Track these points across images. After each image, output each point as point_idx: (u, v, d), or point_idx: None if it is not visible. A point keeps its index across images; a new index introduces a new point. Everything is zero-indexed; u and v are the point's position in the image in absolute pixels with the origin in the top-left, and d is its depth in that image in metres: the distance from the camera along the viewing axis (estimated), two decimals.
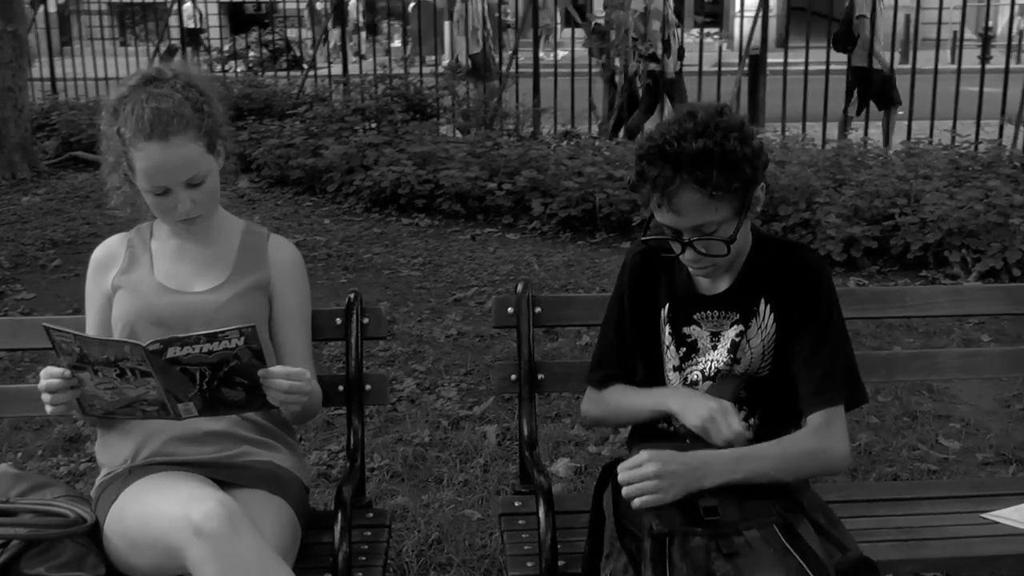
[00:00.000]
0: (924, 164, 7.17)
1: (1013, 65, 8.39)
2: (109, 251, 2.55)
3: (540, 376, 2.78)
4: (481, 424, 4.31)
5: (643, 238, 2.25)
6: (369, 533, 2.59)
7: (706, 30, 11.20)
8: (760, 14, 9.30)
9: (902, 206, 6.42)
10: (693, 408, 2.16)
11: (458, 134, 9.88)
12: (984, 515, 2.59)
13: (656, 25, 9.82)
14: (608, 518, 2.18)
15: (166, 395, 2.18)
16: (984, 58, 10.06)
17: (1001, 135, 7.77)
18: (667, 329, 2.32)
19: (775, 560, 1.93)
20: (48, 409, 2.29)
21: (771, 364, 2.26)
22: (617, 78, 10.06)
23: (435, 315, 5.70)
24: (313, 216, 8.14)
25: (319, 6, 14.45)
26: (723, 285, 2.28)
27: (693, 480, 2.03)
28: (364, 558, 2.46)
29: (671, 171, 2.04)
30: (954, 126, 8.11)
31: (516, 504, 2.72)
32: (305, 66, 14.72)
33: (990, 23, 16.64)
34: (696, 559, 1.95)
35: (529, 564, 2.40)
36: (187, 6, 17.75)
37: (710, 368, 2.28)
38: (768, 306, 2.25)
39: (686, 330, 2.30)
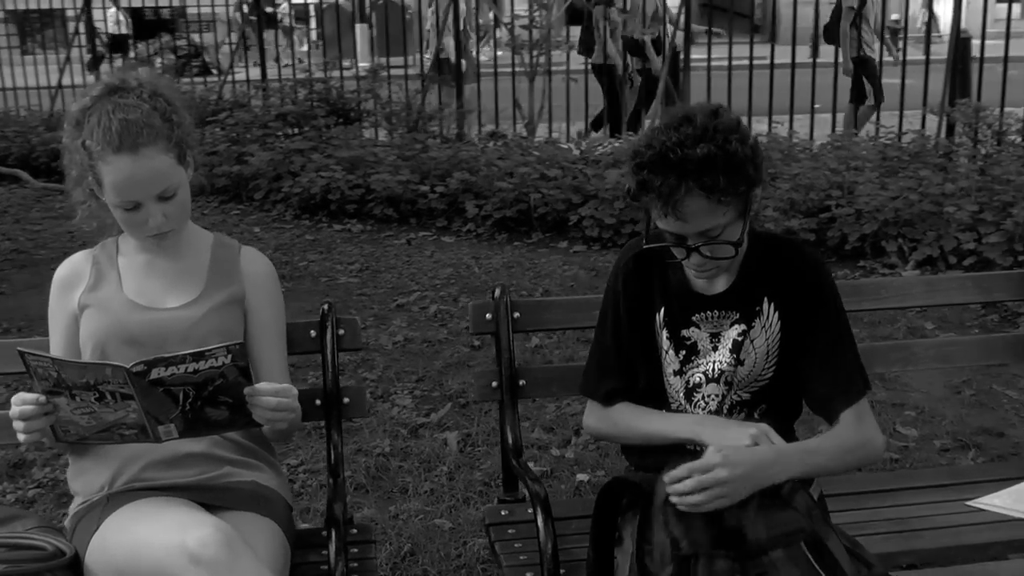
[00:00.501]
0: (853, 156, 7.29)
1: (921, 56, 8.59)
2: (73, 269, 2.44)
3: (522, 382, 2.74)
4: (440, 431, 4.25)
5: (646, 246, 2.20)
6: (356, 550, 2.52)
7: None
8: (682, 10, 9.35)
9: (837, 198, 6.51)
10: (733, 438, 2.08)
11: (383, 137, 9.79)
12: (968, 503, 2.62)
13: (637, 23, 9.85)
14: (628, 540, 2.12)
15: (147, 417, 2.09)
16: (899, 50, 10.32)
17: (923, 126, 7.92)
18: (664, 333, 2.28)
19: None
20: (21, 437, 2.18)
21: (775, 366, 2.24)
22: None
23: (379, 322, 5.62)
24: (242, 225, 7.98)
25: (232, 11, 14.17)
26: (721, 284, 2.24)
27: (764, 479, 2.01)
28: None
29: (676, 179, 1.99)
30: (877, 117, 8.25)
31: (503, 513, 2.67)
32: (215, 72, 14.47)
33: (895, 16, 17.08)
34: None
35: (528, 574, 2.36)
36: (111, 11, 17.28)
37: (713, 369, 2.25)
38: (772, 305, 2.23)
39: (685, 332, 2.26)
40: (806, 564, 1.92)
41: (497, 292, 2.73)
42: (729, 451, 2.01)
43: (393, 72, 10.44)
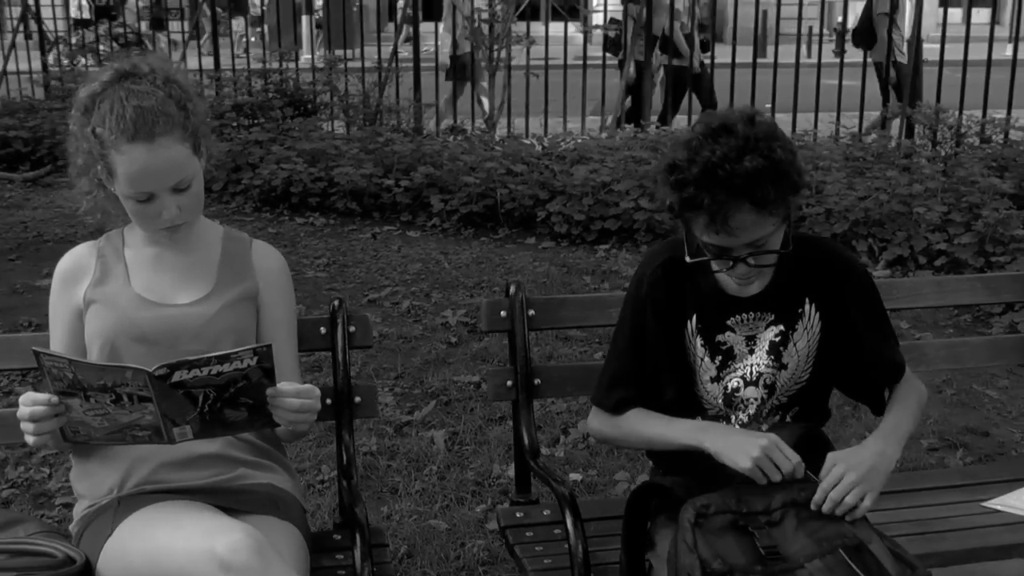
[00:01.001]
0: (816, 156, 7.33)
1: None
2: (77, 262, 2.34)
3: (537, 381, 2.68)
4: (425, 429, 4.18)
5: (690, 260, 2.12)
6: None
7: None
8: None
9: (806, 198, 6.54)
10: (738, 447, 2.03)
11: (340, 130, 9.66)
12: (984, 504, 2.62)
13: (664, 18, 9.76)
14: (661, 544, 2.07)
15: (163, 420, 2.00)
16: (840, 52, 10.36)
17: (884, 126, 8.01)
18: (698, 341, 2.22)
19: None
20: (30, 439, 2.09)
21: (811, 367, 2.22)
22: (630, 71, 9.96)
23: None
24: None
25: None
26: (756, 287, 2.19)
27: (886, 463, 2.09)
28: None
29: (725, 195, 1.95)
30: (838, 117, 8.32)
31: (518, 515, 2.62)
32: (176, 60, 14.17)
33: (839, 18, 17.27)
34: None
35: None
36: None
37: (751, 373, 2.21)
38: (813, 306, 2.20)
39: (720, 338, 2.21)
40: (845, 570, 1.89)
41: (512, 289, 2.67)
42: (841, 455, 2.05)
43: (352, 65, 10.30)
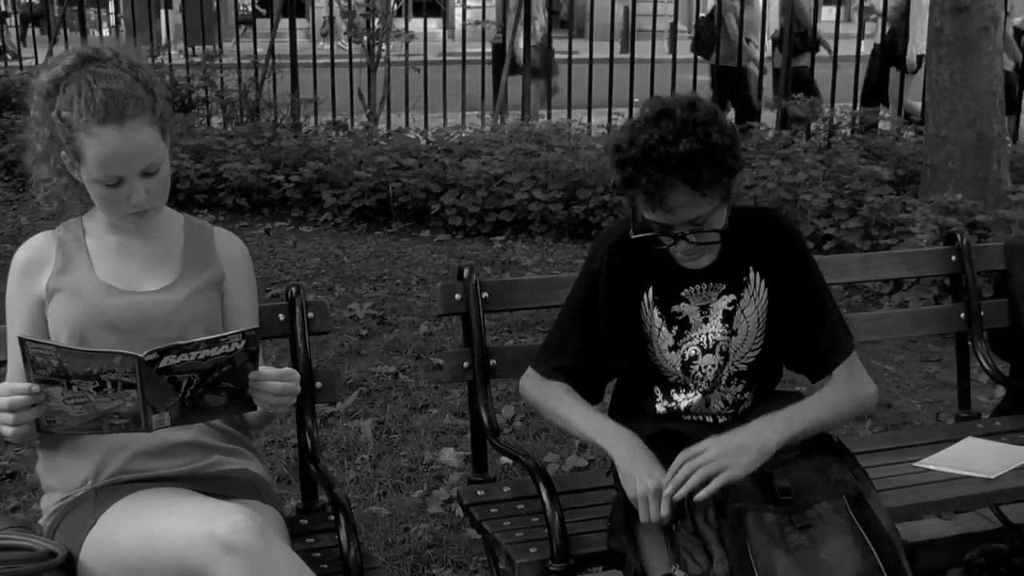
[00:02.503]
0: None
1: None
2: (36, 252, 2.28)
3: (492, 362, 2.73)
4: (350, 419, 4.19)
5: (634, 236, 2.23)
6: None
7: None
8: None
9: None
10: (631, 477, 2.14)
11: (217, 125, 9.50)
12: (916, 464, 2.80)
13: None
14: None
15: (144, 406, 1.99)
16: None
17: (758, 118, 8.32)
18: (655, 312, 2.32)
19: (846, 529, 2.01)
20: (8, 431, 2.04)
21: (764, 335, 2.33)
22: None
23: None
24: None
25: None
26: (707, 259, 2.29)
27: (764, 442, 2.10)
28: None
29: (660, 175, 2.05)
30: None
31: (480, 493, 2.67)
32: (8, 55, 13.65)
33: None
34: (771, 531, 2.00)
35: (532, 550, 2.36)
36: None
37: (707, 341, 2.31)
38: (758, 274, 2.31)
39: (675, 308, 2.32)
40: (847, 516, 2.03)
41: (466, 272, 2.72)
42: (718, 437, 2.12)
43: (227, 61, 10.14)
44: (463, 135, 8.59)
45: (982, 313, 3.08)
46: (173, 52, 11.42)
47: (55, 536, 2.15)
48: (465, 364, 2.72)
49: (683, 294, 2.32)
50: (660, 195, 2.08)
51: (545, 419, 2.45)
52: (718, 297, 2.32)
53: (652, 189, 2.07)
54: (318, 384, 2.64)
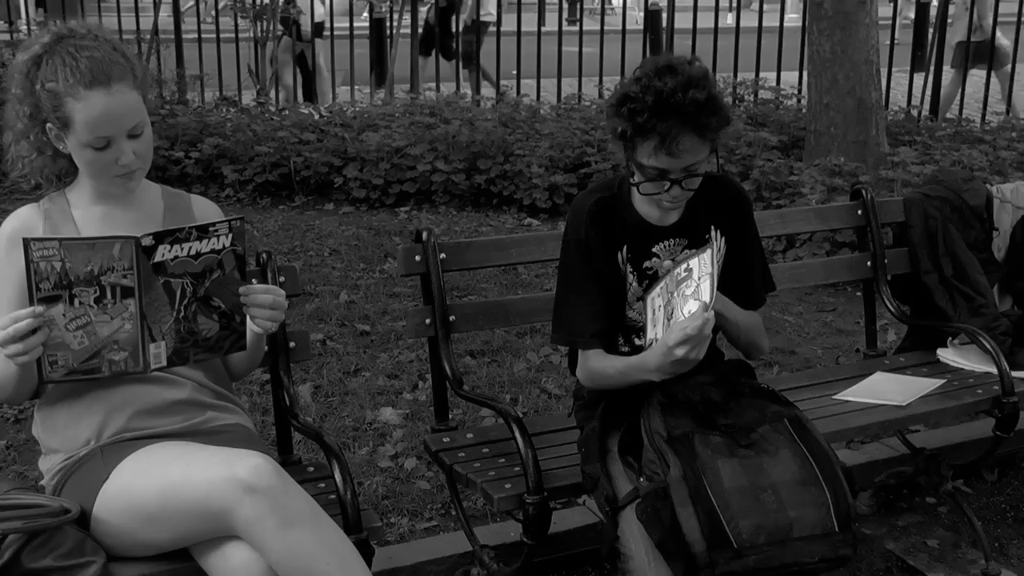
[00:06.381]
0: (583, 118, 7.85)
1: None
2: (23, 223, 2.38)
3: (452, 318, 2.92)
4: None
5: (634, 182, 2.44)
6: (324, 484, 2.61)
7: None
8: None
9: (591, 154, 7.01)
10: (671, 358, 2.28)
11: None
12: (834, 397, 3.10)
13: None
14: (656, 417, 2.34)
15: (141, 325, 2.12)
16: (572, 20, 10.96)
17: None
18: (628, 268, 2.54)
19: (785, 443, 2.27)
20: (20, 360, 2.10)
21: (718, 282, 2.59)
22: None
23: None
24: None
25: None
26: (674, 216, 2.54)
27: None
28: None
29: (675, 121, 2.27)
30: (600, 80, 8.88)
31: (445, 440, 2.86)
32: None
33: None
34: (717, 447, 2.25)
35: (507, 486, 2.57)
36: None
37: None
38: (718, 231, 2.57)
39: (647, 264, 2.54)
40: (788, 435, 2.29)
41: (425, 235, 2.90)
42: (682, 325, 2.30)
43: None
44: (356, 109, 8.67)
45: (886, 261, 3.40)
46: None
47: (62, 494, 2.26)
48: (427, 321, 2.90)
49: (655, 250, 2.54)
50: (675, 139, 2.29)
51: (603, 386, 2.56)
52: (682, 251, 2.55)
53: (666, 133, 2.28)
54: (292, 344, 2.78)
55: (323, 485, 2.60)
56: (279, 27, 10.06)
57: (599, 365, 2.52)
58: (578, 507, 3.34)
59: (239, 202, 7.35)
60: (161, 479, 2.14)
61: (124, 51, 2.31)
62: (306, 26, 10.53)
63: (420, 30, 10.58)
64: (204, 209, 2.52)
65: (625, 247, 2.53)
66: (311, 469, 2.74)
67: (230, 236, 2.16)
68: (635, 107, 2.31)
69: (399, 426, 3.93)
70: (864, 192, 3.38)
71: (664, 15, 10.28)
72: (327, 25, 9.92)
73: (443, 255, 2.92)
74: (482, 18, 10.90)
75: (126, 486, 2.17)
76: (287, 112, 8.61)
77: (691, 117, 2.28)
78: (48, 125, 2.28)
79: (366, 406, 4.11)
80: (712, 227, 2.57)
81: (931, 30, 9.92)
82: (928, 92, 8.70)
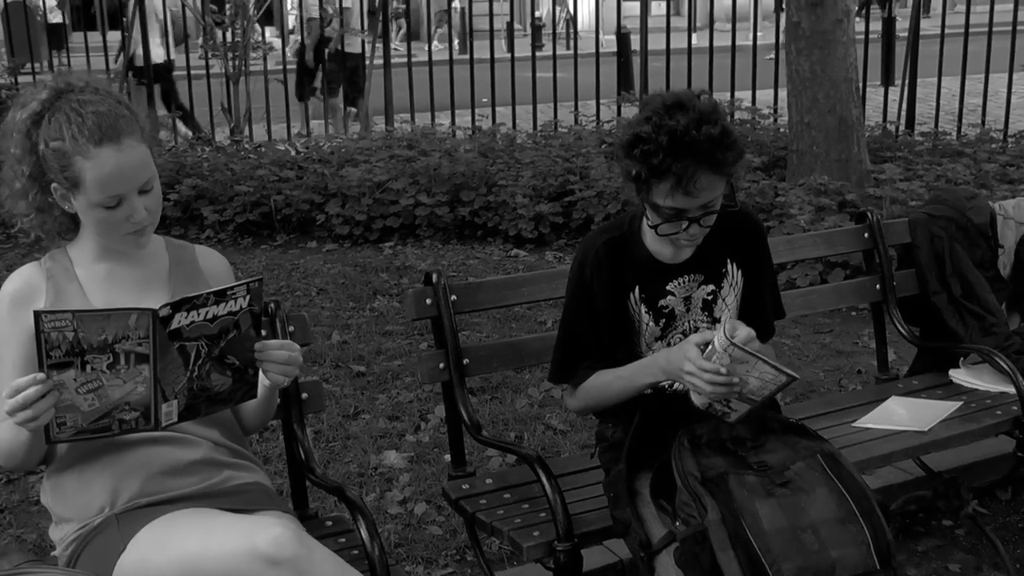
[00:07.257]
0: (561, 146, 7.84)
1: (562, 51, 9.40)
2: (26, 283, 2.30)
3: (466, 361, 2.86)
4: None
5: (651, 225, 2.38)
6: (344, 539, 2.55)
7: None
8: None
9: (575, 182, 6.98)
10: (679, 368, 2.30)
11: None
12: (853, 424, 3.06)
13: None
14: (689, 458, 2.30)
15: (154, 388, 2.03)
16: (539, 46, 10.97)
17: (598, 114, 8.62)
18: (642, 308, 2.49)
19: (821, 481, 2.22)
20: (31, 426, 1.98)
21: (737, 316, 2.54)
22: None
23: None
24: None
25: None
26: (687, 252, 2.49)
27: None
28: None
29: (691, 160, 2.21)
30: (576, 106, 8.88)
31: (465, 487, 2.80)
32: None
33: (537, 13, 18.19)
34: (753, 487, 2.19)
35: (535, 533, 2.51)
36: None
37: (689, 327, 2.50)
38: (734, 264, 2.52)
39: (662, 302, 2.49)
40: (823, 472, 2.24)
41: (435, 277, 2.84)
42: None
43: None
44: (333, 144, 8.62)
45: (894, 283, 3.37)
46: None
47: (76, 565, 2.18)
48: (440, 365, 2.84)
49: (669, 287, 2.49)
50: (692, 179, 2.23)
51: (602, 405, 2.56)
52: (698, 287, 2.51)
53: (682, 173, 2.22)
54: (304, 395, 2.71)
55: (344, 540, 2.54)
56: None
57: (601, 379, 2.49)
58: (596, 547, 3.27)
59: (220, 243, 7.26)
60: (180, 552, 2.05)
61: (128, 103, 2.25)
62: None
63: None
64: (208, 259, 2.46)
65: (637, 288, 2.48)
66: (329, 524, 2.66)
67: (247, 298, 2.08)
68: (648, 148, 2.24)
69: (405, 470, 3.86)
70: (870, 215, 3.36)
71: (634, 37, 10.33)
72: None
73: (454, 297, 2.86)
74: (346, 49, 10.87)
75: (143, 560, 2.08)
76: (263, 149, 8.54)
77: (707, 154, 2.22)
78: (54, 185, 2.20)
79: (369, 450, 4.03)
80: (728, 260, 2.53)
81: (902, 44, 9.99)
82: (904, 106, 8.75)
